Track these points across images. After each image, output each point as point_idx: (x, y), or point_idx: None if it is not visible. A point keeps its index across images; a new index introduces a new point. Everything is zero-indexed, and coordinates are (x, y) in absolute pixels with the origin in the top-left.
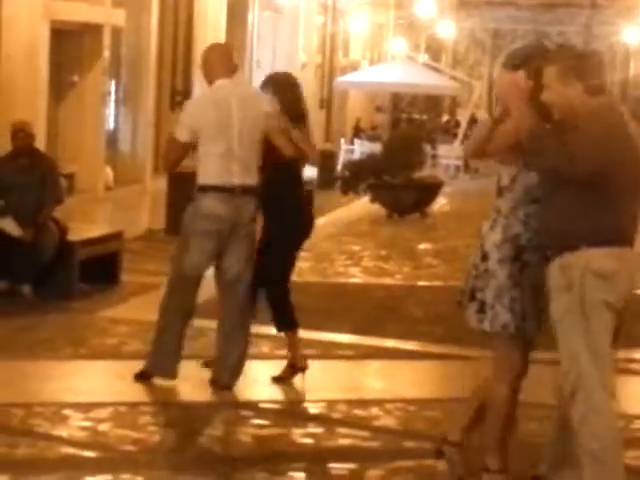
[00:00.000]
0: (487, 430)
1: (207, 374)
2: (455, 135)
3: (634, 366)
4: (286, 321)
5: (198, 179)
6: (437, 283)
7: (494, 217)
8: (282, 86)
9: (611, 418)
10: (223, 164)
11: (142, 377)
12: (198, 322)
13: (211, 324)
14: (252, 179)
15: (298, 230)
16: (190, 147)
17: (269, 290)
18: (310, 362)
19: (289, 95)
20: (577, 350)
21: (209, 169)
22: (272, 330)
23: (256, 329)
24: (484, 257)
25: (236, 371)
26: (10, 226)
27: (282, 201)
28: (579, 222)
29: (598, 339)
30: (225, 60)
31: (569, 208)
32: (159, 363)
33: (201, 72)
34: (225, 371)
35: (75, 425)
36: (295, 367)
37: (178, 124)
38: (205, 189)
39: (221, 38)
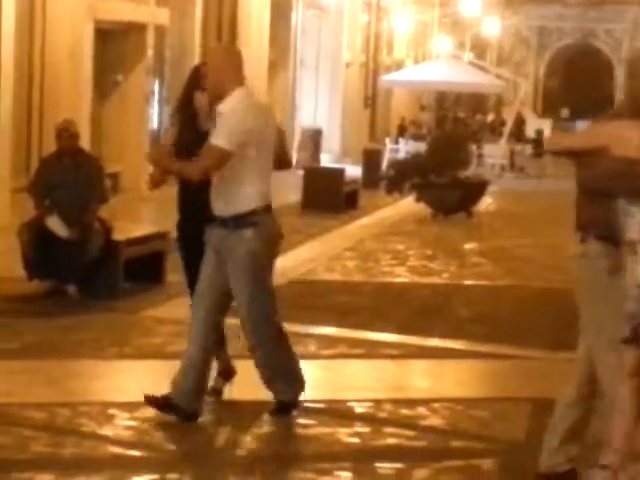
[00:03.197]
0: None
1: (254, 371)
2: (500, 134)
3: None
4: None
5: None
6: (483, 282)
7: None
8: None
9: None
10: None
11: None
12: None
13: None
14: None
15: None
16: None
17: None
18: (356, 361)
19: None
20: None
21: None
22: (318, 330)
23: (301, 328)
24: None
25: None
26: (56, 225)
27: None
28: None
29: None
30: (239, 67)
31: None
32: None
33: (208, 79)
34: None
35: (120, 424)
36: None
37: (222, 132)
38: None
39: (265, 37)
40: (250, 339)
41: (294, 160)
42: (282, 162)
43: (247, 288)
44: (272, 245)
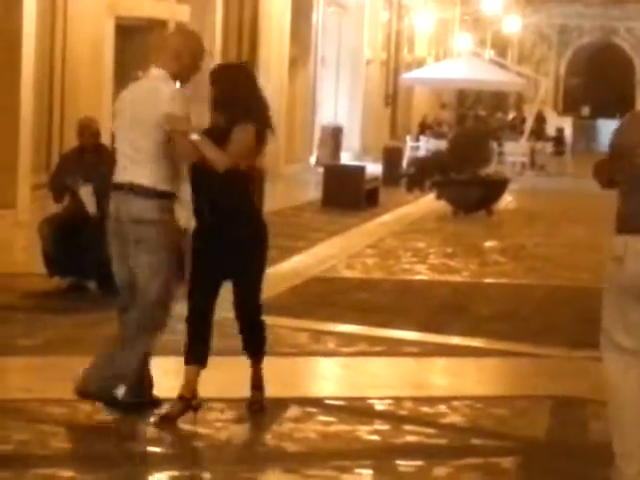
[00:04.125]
0: None
1: (274, 369)
2: (521, 132)
3: None
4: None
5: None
6: (504, 280)
7: None
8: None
9: None
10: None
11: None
12: (264, 318)
13: (277, 321)
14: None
15: None
16: None
17: None
18: (376, 359)
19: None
20: None
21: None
22: (338, 327)
23: (321, 326)
24: None
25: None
26: (88, 197)
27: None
28: None
29: None
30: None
31: None
32: None
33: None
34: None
35: (144, 421)
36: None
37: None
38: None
39: (286, 34)
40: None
41: (314, 157)
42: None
43: None
44: None
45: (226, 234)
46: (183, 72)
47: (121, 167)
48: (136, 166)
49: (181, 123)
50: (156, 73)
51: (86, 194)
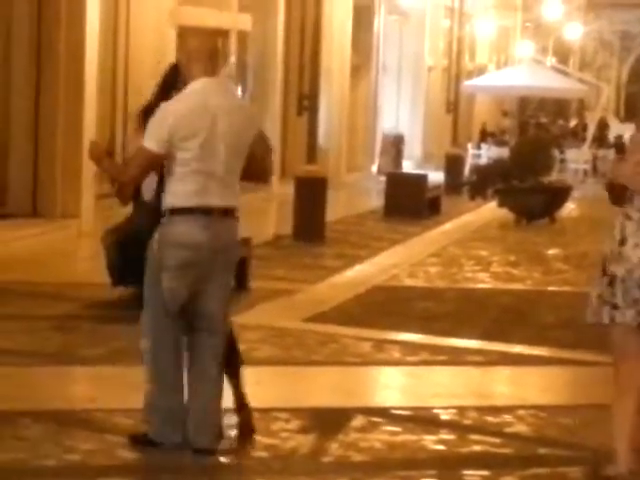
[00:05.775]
0: None
1: (338, 378)
2: (583, 139)
3: None
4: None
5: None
6: (567, 289)
7: None
8: None
9: None
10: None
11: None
12: (328, 328)
13: (341, 330)
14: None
15: None
16: (160, 159)
17: None
18: (440, 368)
19: None
20: None
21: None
22: (401, 336)
23: (385, 335)
24: None
25: (210, 430)
26: (149, 186)
27: None
28: None
29: None
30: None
31: None
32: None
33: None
34: (203, 433)
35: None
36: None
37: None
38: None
39: (347, 42)
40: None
41: (376, 166)
42: (256, 172)
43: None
44: (174, 249)
45: None
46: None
47: (210, 189)
48: (230, 189)
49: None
50: (217, 85)
51: (149, 180)
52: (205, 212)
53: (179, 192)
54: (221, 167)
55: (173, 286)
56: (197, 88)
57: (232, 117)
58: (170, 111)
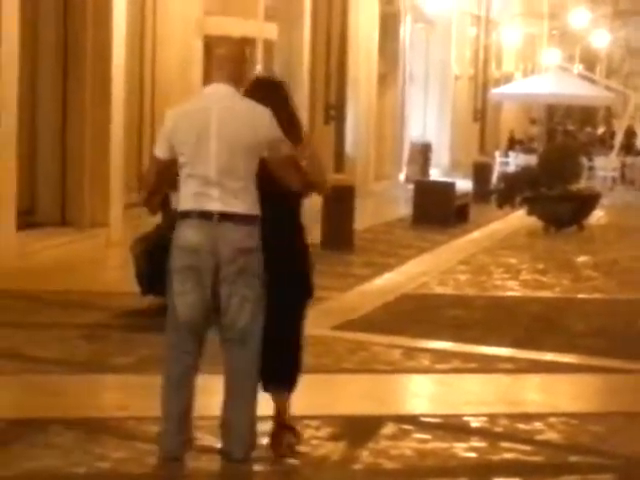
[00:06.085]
0: None
1: (369, 386)
2: (611, 147)
3: None
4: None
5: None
6: (597, 296)
7: None
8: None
9: None
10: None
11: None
12: (357, 335)
13: (371, 338)
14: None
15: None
16: (170, 165)
17: None
18: (470, 376)
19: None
20: None
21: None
22: (431, 344)
23: (414, 343)
24: None
25: (247, 441)
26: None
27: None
28: None
29: None
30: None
31: None
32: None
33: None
34: (236, 444)
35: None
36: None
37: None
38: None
39: (374, 51)
40: None
41: (404, 174)
42: (310, 184)
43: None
44: (176, 252)
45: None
46: (240, 85)
47: (208, 193)
48: (232, 194)
49: (288, 147)
50: (225, 90)
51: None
52: (201, 216)
53: (181, 196)
54: (214, 171)
55: (179, 290)
56: (205, 92)
57: (228, 120)
58: (171, 116)
